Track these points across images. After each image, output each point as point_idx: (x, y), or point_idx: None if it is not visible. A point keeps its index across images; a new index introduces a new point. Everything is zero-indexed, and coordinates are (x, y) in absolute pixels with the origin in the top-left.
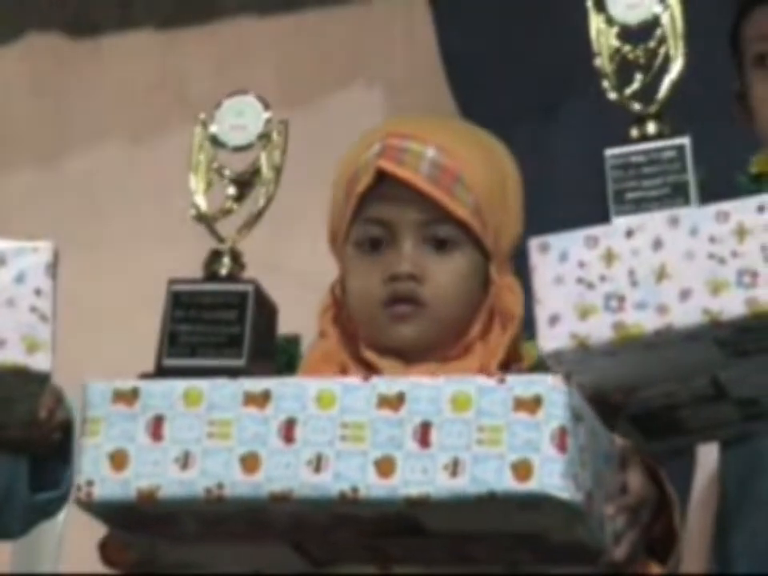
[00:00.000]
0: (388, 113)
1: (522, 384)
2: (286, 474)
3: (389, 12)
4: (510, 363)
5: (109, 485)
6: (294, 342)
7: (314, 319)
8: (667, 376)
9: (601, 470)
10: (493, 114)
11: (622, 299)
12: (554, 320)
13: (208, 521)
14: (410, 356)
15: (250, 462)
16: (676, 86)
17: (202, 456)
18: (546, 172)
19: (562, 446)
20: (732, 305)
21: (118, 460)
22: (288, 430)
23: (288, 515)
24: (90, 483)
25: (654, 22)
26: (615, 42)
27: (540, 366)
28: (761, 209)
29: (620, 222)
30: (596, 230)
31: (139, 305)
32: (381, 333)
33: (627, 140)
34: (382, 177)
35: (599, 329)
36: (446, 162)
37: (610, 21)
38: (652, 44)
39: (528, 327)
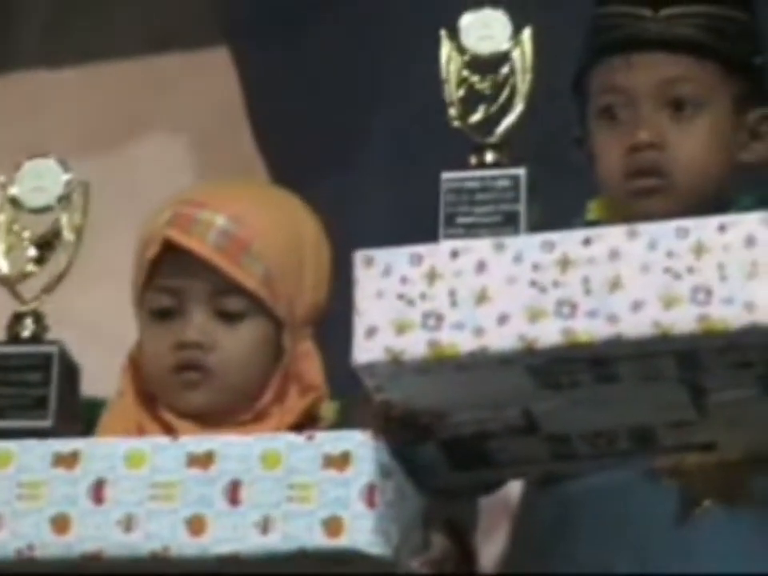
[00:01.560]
0: (195, 165)
1: (330, 441)
2: (97, 534)
3: (196, 64)
4: (305, 425)
5: None
6: (96, 403)
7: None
8: (480, 402)
9: (407, 524)
10: (298, 170)
11: (440, 318)
12: (370, 332)
13: None
14: (204, 419)
15: (60, 523)
16: (518, 119)
17: (11, 518)
18: (352, 224)
19: (371, 502)
20: (548, 333)
21: None
22: (98, 491)
23: (101, 575)
24: None
25: (504, 56)
26: (464, 71)
27: (337, 425)
28: (586, 242)
29: (447, 243)
30: (421, 249)
31: None
32: (173, 398)
33: (466, 166)
34: (173, 246)
35: (414, 345)
36: (237, 231)
37: (461, 49)
38: (500, 77)
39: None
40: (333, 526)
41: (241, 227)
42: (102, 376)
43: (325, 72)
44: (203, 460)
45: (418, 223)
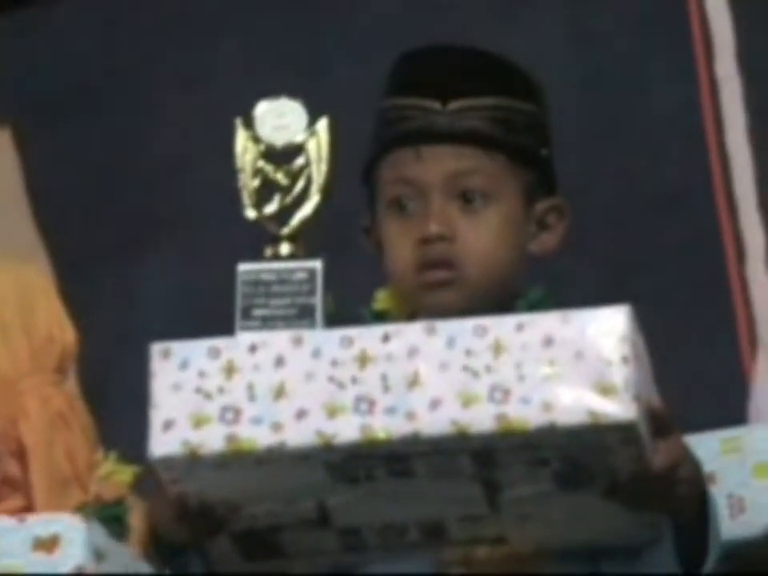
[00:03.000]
0: None
1: (41, 523)
2: None
3: None
4: None
5: None
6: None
7: None
8: (274, 495)
9: None
10: (80, 254)
11: (238, 412)
12: (167, 426)
13: None
14: None
15: None
16: (314, 210)
17: None
18: (132, 314)
19: None
20: (346, 430)
21: None
22: None
23: None
24: None
25: (299, 147)
26: (259, 161)
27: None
28: (385, 338)
29: (245, 337)
30: (219, 342)
31: None
32: None
33: (262, 258)
34: None
35: (212, 439)
36: None
37: (256, 139)
38: (295, 167)
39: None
40: None
41: None
42: None
43: (112, 157)
44: None
45: (210, 313)
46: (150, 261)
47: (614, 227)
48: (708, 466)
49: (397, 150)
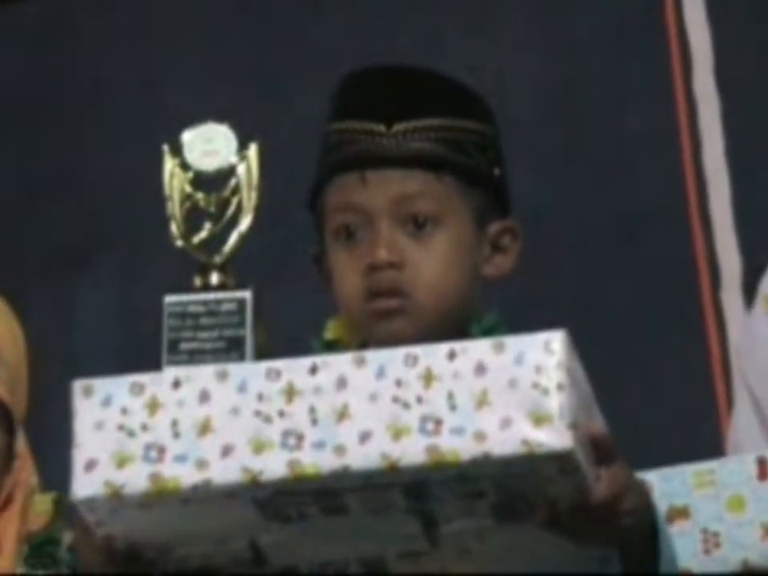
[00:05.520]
0: None
1: None
2: None
3: None
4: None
5: None
6: None
7: None
8: (205, 535)
9: None
10: (14, 269)
11: (162, 450)
12: (90, 466)
13: None
14: None
15: None
16: (244, 237)
17: None
18: (69, 329)
19: None
20: (274, 465)
21: None
22: None
23: None
24: None
25: (229, 172)
26: (187, 188)
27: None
28: (313, 370)
29: (169, 371)
30: (143, 378)
31: None
32: None
33: (191, 289)
34: None
35: (135, 479)
36: None
37: (184, 166)
38: (225, 193)
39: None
40: None
41: None
42: None
43: (45, 176)
44: None
45: (142, 348)
46: (85, 280)
47: (583, 248)
48: (681, 500)
49: (341, 174)
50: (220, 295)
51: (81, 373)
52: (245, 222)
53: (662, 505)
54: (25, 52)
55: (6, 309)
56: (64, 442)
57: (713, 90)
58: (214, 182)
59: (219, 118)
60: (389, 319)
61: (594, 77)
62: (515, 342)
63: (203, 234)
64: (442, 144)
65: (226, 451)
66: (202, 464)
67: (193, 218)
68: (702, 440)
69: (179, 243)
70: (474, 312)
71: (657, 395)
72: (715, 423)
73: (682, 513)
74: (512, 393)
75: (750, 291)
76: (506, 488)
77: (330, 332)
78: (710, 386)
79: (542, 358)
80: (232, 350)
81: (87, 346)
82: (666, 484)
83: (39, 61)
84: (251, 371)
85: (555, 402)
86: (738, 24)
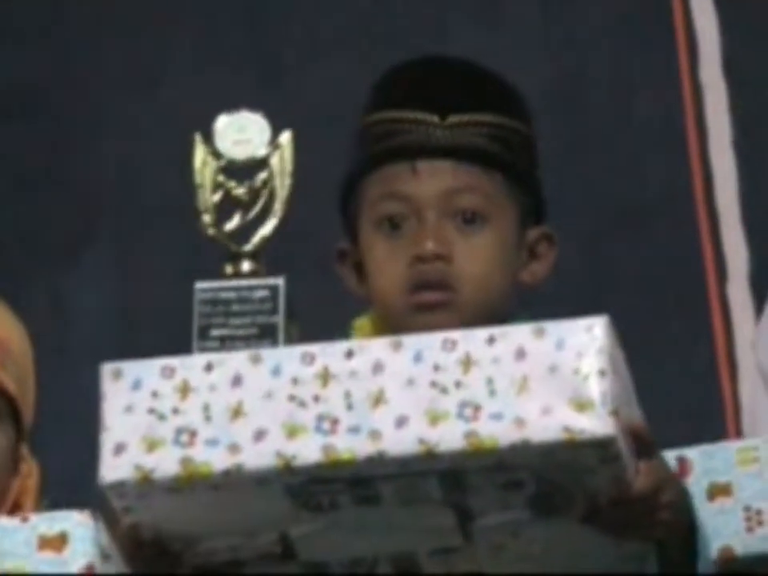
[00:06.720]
0: None
1: (46, 521)
2: None
3: None
4: None
5: None
6: None
7: None
8: (234, 526)
9: None
10: (7, 265)
11: (193, 434)
12: (119, 449)
13: None
14: None
15: None
16: (278, 226)
17: None
18: (62, 323)
19: None
20: (307, 450)
21: None
22: None
23: None
24: None
25: (262, 161)
26: (220, 177)
27: None
28: (349, 354)
29: (201, 356)
30: (174, 361)
31: None
32: None
33: (222, 276)
34: None
35: (166, 463)
36: None
37: (216, 154)
38: (257, 182)
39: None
40: None
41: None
42: None
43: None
44: None
45: (146, 330)
46: (83, 271)
47: (590, 240)
48: (723, 477)
49: (388, 165)
50: (253, 282)
51: (74, 367)
52: (277, 212)
53: (703, 482)
54: (11, 44)
55: (7, 307)
56: (59, 440)
57: (719, 79)
58: (243, 170)
59: (213, 107)
60: (432, 312)
61: (600, 66)
62: (556, 327)
63: (234, 223)
64: (493, 140)
65: (259, 436)
66: (234, 448)
67: (222, 206)
68: (707, 433)
69: (211, 232)
70: (508, 314)
71: (662, 388)
72: (720, 416)
73: (723, 490)
74: (552, 378)
75: (756, 284)
76: (545, 479)
77: (358, 332)
78: (715, 379)
79: (584, 342)
80: (265, 336)
81: (79, 340)
82: (707, 461)
83: (29, 52)
84: (285, 355)
85: (597, 388)
86: (745, 12)
